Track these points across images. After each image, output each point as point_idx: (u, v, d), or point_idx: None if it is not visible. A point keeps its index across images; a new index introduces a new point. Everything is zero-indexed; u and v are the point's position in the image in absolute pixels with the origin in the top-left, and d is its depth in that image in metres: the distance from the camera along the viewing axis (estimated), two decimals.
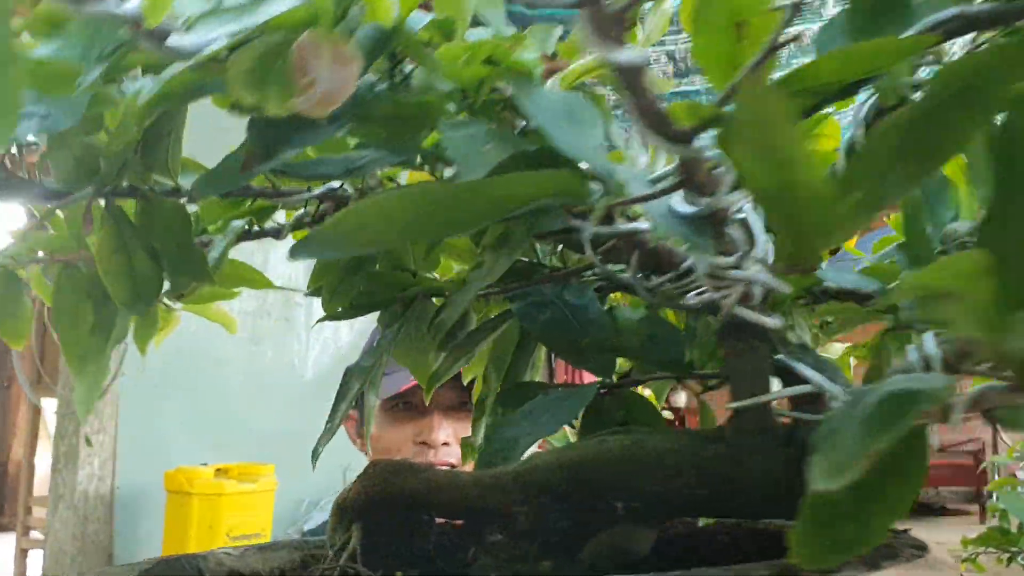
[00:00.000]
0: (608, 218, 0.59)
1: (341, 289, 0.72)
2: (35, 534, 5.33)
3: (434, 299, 0.77)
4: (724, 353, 0.56)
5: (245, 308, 4.09)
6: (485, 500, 0.61)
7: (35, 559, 5.19)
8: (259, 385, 4.23)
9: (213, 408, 4.20)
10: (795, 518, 0.56)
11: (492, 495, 0.60)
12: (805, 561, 0.46)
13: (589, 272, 0.73)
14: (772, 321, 0.55)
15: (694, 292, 0.57)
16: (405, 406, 1.70)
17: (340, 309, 0.73)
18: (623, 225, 0.59)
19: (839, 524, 0.45)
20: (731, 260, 0.52)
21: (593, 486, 0.58)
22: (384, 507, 0.63)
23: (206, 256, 0.60)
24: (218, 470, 3.89)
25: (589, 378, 0.75)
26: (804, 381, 0.59)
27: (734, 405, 0.55)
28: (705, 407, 0.70)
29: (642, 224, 0.60)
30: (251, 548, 0.76)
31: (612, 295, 0.79)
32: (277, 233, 0.74)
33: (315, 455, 0.73)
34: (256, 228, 0.74)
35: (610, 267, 0.65)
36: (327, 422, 0.74)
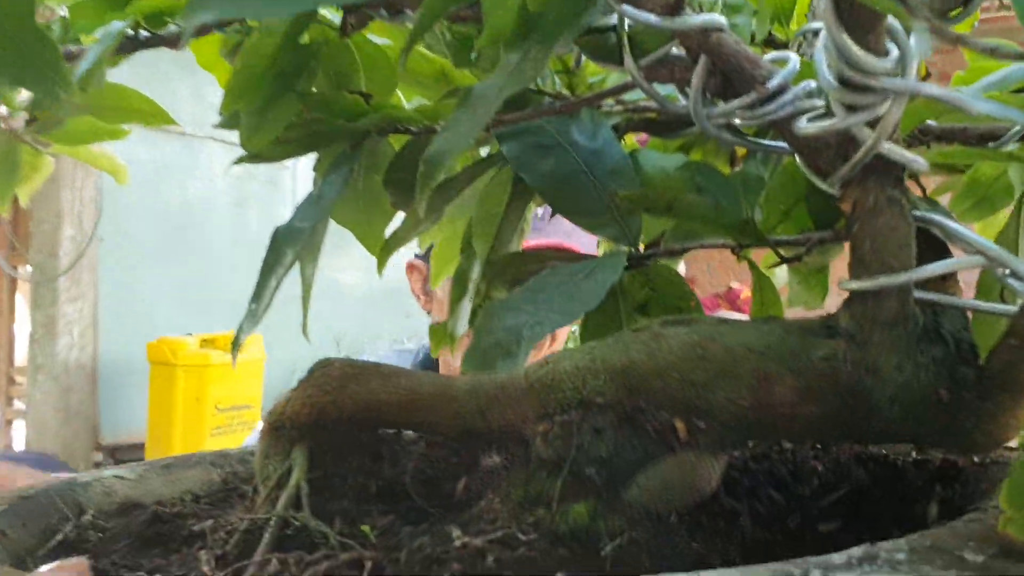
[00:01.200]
0: (675, 6, 0.40)
1: (267, 117, 0.51)
2: (18, 404, 5.12)
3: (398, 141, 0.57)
4: (850, 208, 0.38)
5: (231, 170, 3.84)
6: (487, 417, 0.43)
7: (19, 429, 5.01)
8: (244, 251, 4.00)
9: (196, 276, 4.02)
10: (950, 446, 0.40)
11: (498, 410, 0.43)
12: (1021, 529, 0.29)
13: (611, 101, 0.53)
14: (921, 162, 0.37)
15: (806, 118, 0.38)
16: None
17: (265, 147, 0.53)
18: (694, 16, 0.40)
19: None
20: (887, 63, 0.34)
21: (646, 400, 0.41)
22: (340, 426, 0.45)
23: (60, 53, 0.39)
24: (203, 340, 3.75)
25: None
26: (943, 248, 0.42)
27: (869, 284, 0.37)
28: (769, 288, 0.53)
29: (717, 17, 0.41)
30: (154, 466, 0.57)
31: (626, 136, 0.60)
32: (175, 42, 0.53)
33: (235, 345, 0.55)
34: (145, 34, 0.53)
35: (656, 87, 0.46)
36: (251, 302, 0.55)
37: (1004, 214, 0.68)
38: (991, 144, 0.50)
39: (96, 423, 3.90)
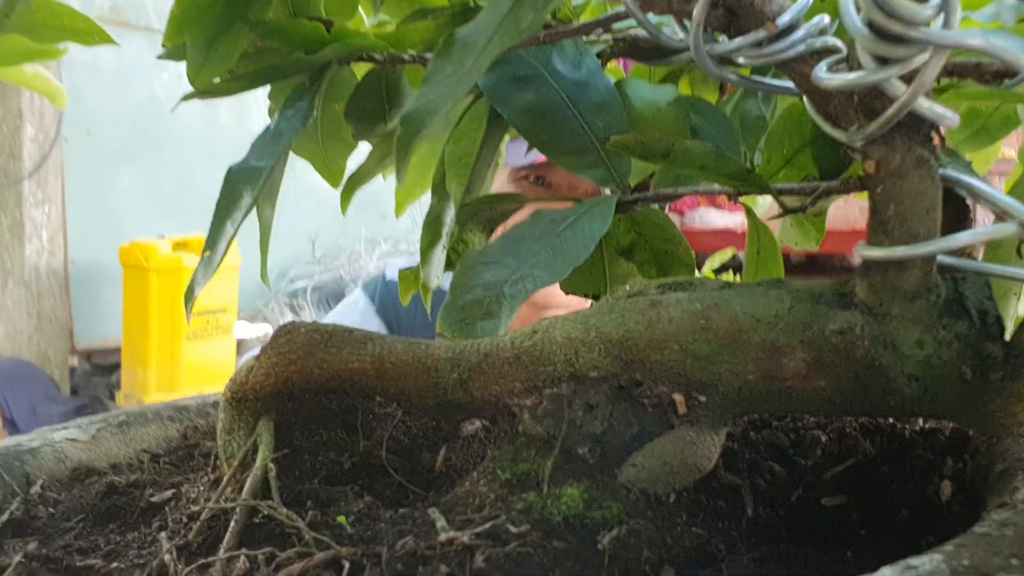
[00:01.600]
0: None
1: (216, 49, 0.46)
2: None
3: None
4: (873, 169, 0.34)
5: None
6: (469, 388, 0.39)
7: None
8: (216, 151, 3.88)
9: (168, 177, 3.88)
10: (972, 427, 0.37)
11: (481, 381, 0.39)
12: None
13: (598, 30, 0.49)
14: (954, 118, 0.33)
15: (826, 66, 0.34)
16: (539, 182, 1.16)
17: (217, 80, 0.48)
18: None
19: None
20: (927, 10, 0.30)
21: (643, 373, 0.37)
22: (307, 396, 0.41)
23: None
24: (176, 243, 3.63)
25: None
26: (963, 205, 0.38)
27: (893, 254, 0.34)
28: (767, 236, 0.49)
29: None
30: (109, 423, 0.54)
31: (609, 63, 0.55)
32: None
33: (189, 296, 0.50)
34: None
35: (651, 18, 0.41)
36: (205, 247, 0.51)
37: (999, 144, 0.65)
38: (1007, 81, 0.46)
39: (70, 328, 3.85)
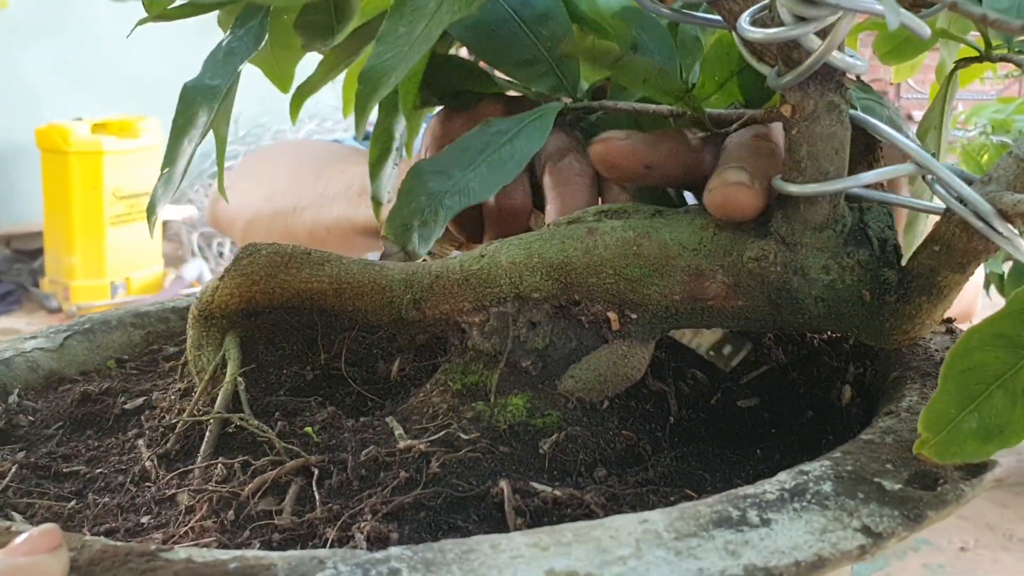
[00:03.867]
0: None
1: None
2: None
3: None
4: (790, 112, 0.37)
5: None
6: (421, 307, 0.43)
7: None
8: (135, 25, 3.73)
9: (84, 55, 3.72)
10: (867, 339, 0.42)
11: (432, 300, 0.43)
12: (938, 453, 0.32)
13: None
14: (862, 65, 0.37)
15: (748, 13, 0.37)
16: None
17: (175, 4, 0.49)
18: None
19: (994, 402, 0.31)
20: None
21: (582, 294, 0.41)
22: (270, 314, 0.45)
23: None
24: (95, 126, 3.60)
25: None
26: (872, 141, 0.42)
27: (805, 189, 0.38)
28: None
29: None
30: (74, 331, 0.56)
31: None
32: None
33: (151, 212, 0.52)
34: None
35: None
36: (164, 164, 0.52)
37: (925, 55, 0.68)
38: (923, 11, 0.49)
39: None
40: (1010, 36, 0.43)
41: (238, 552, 0.27)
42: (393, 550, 0.27)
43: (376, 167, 0.55)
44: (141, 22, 0.49)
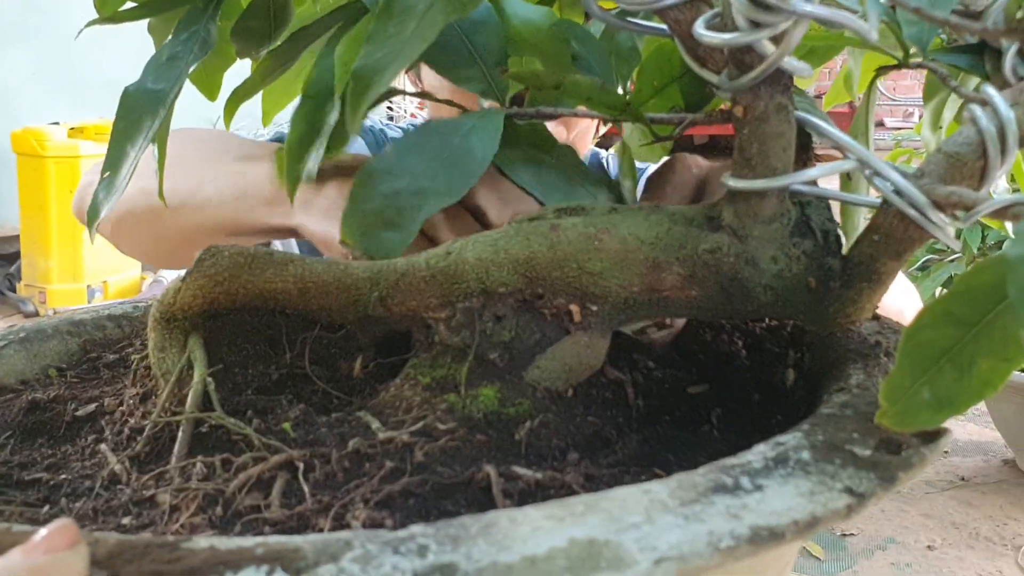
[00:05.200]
0: None
1: None
2: None
3: None
4: (742, 113, 0.40)
5: None
6: (388, 304, 0.44)
7: None
8: (112, 29, 3.55)
9: (60, 59, 3.55)
10: (812, 324, 0.45)
11: (399, 297, 0.44)
12: (896, 422, 0.35)
13: None
14: (808, 70, 0.40)
15: (703, 19, 0.40)
16: None
17: (126, 7, 0.48)
18: None
19: (944, 375, 0.34)
20: None
21: (545, 288, 0.43)
22: (233, 315, 0.45)
23: None
24: (72, 130, 3.52)
25: None
26: (808, 138, 0.45)
27: (755, 185, 0.40)
28: (628, 159, 0.55)
29: None
30: (9, 340, 0.55)
31: None
32: None
33: (94, 217, 0.52)
34: None
35: None
36: (105, 169, 0.52)
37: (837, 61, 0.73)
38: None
39: None
40: (925, 43, 0.47)
41: (260, 538, 0.28)
42: (415, 528, 0.28)
43: (296, 147, 0.53)
44: (91, 23, 0.48)
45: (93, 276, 3.68)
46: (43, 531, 0.26)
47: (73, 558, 0.26)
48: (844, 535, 2.00)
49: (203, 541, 0.28)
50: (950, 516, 2.08)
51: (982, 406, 2.37)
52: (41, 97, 3.71)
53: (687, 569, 0.26)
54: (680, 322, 0.51)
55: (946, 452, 2.39)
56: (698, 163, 0.58)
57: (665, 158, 0.59)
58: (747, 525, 0.28)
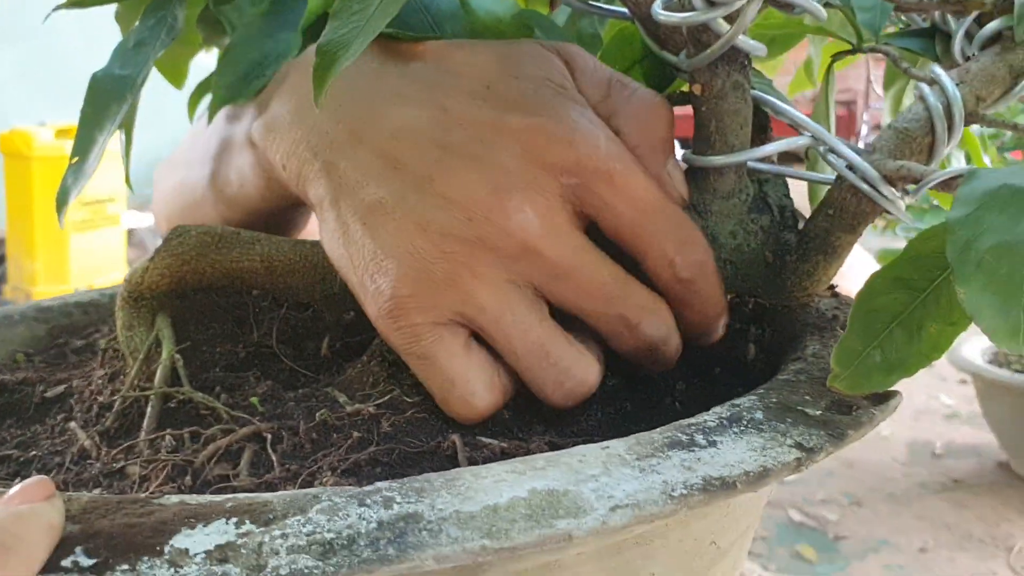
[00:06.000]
0: None
1: None
2: None
3: None
4: (700, 91, 0.41)
5: None
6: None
7: None
8: (98, 29, 3.52)
9: (47, 60, 3.51)
10: (770, 297, 0.46)
11: None
12: (849, 386, 0.36)
13: None
14: (763, 49, 0.41)
15: (661, 4, 0.41)
16: None
17: None
18: None
19: (894, 338, 0.35)
20: None
21: None
22: (200, 294, 0.45)
23: None
24: (59, 131, 3.48)
25: None
26: (766, 118, 0.46)
27: (714, 161, 0.42)
28: None
29: None
30: None
31: None
32: None
33: (63, 202, 0.52)
34: None
35: None
36: (74, 154, 0.52)
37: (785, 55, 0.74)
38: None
39: None
40: (877, 28, 0.49)
41: (230, 495, 0.28)
42: (381, 484, 0.28)
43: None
44: (57, 8, 0.49)
45: (79, 278, 3.66)
46: (17, 486, 0.27)
47: (49, 509, 0.27)
48: (837, 538, 2.01)
49: (174, 497, 0.28)
50: (943, 518, 2.09)
51: (976, 408, 2.39)
52: (28, 98, 3.69)
53: (642, 515, 0.27)
54: None
55: (939, 455, 2.42)
56: None
57: None
58: (700, 476, 0.29)
